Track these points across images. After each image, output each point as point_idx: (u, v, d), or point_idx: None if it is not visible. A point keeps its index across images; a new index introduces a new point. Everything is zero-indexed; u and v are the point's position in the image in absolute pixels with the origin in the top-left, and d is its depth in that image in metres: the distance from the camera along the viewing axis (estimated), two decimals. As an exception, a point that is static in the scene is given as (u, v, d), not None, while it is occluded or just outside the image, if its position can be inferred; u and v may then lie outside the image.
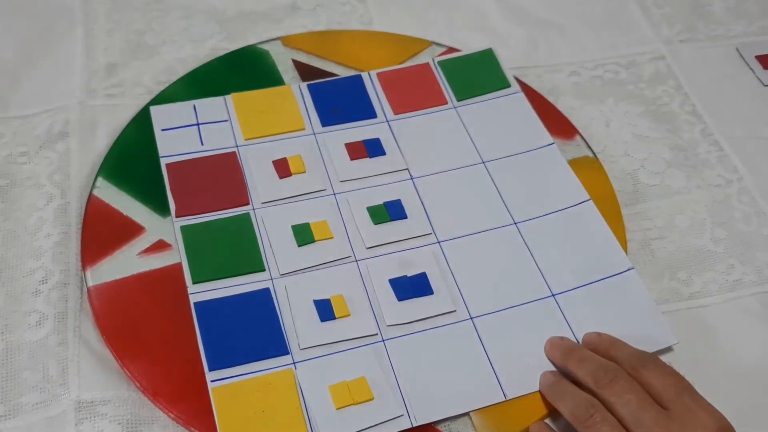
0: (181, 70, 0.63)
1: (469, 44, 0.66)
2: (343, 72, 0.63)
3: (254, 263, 0.51)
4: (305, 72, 0.63)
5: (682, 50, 0.69)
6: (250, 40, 0.65)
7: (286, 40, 0.65)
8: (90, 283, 0.49)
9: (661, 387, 0.43)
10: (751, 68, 0.68)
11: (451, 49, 0.65)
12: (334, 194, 0.55)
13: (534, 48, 0.68)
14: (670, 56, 0.69)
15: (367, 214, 0.54)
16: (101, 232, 0.52)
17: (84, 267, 0.50)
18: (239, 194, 0.54)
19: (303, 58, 0.64)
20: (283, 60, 0.63)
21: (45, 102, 0.60)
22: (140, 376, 0.46)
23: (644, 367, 0.45)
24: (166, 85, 0.61)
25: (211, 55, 0.64)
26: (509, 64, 0.65)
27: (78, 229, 0.53)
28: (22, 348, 0.48)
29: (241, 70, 0.62)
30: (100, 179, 0.54)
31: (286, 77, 0.62)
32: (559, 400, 0.46)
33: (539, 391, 0.48)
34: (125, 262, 0.51)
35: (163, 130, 0.57)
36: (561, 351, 0.48)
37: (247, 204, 0.54)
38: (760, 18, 0.73)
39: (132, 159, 0.56)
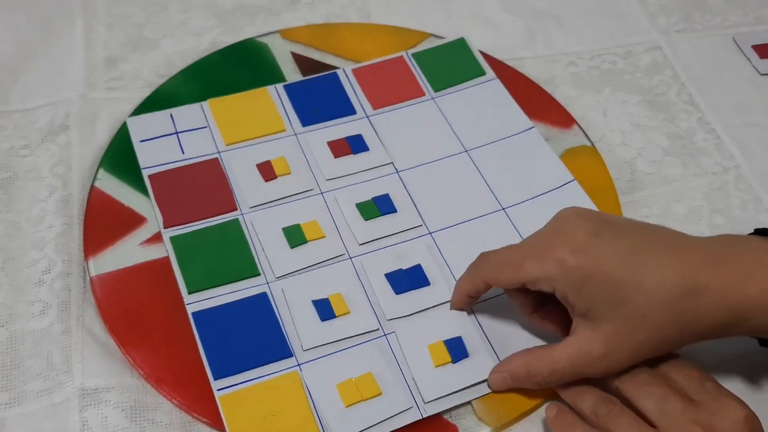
0: (181, 64, 0.63)
1: (467, 35, 0.67)
2: (341, 64, 0.64)
3: (248, 268, 0.51)
4: (304, 64, 0.63)
5: (679, 40, 0.70)
6: (249, 34, 0.65)
7: (285, 33, 0.65)
8: (93, 273, 0.50)
9: (684, 379, 0.43)
10: (747, 58, 0.69)
11: (449, 41, 0.66)
12: (322, 193, 0.55)
13: (531, 38, 0.69)
14: (666, 46, 0.69)
15: (356, 211, 0.54)
16: (103, 223, 0.52)
17: (86, 257, 0.51)
18: (226, 200, 0.54)
19: (302, 51, 0.64)
20: (282, 53, 0.64)
21: (46, 95, 0.60)
22: (143, 363, 0.46)
23: (665, 362, 0.45)
24: (166, 78, 0.61)
25: (210, 49, 0.64)
26: (506, 54, 0.66)
27: (80, 220, 0.53)
28: (26, 337, 0.48)
29: (240, 63, 0.63)
30: (101, 171, 0.55)
31: (285, 70, 0.63)
32: (576, 398, 0.45)
33: (557, 390, 0.47)
34: (127, 252, 0.51)
35: (141, 141, 0.56)
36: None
37: (235, 209, 0.54)
38: (757, 8, 0.73)
39: (133, 151, 0.56)
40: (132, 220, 0.53)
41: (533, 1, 0.72)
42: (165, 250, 0.51)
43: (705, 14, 0.72)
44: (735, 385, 0.44)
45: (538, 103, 0.62)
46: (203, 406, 0.45)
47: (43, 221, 0.53)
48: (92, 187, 0.54)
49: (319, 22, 0.68)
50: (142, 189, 0.54)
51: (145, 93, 0.60)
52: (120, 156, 0.56)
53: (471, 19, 0.70)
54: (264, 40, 0.64)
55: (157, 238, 0.52)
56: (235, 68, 0.62)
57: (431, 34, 0.66)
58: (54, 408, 0.45)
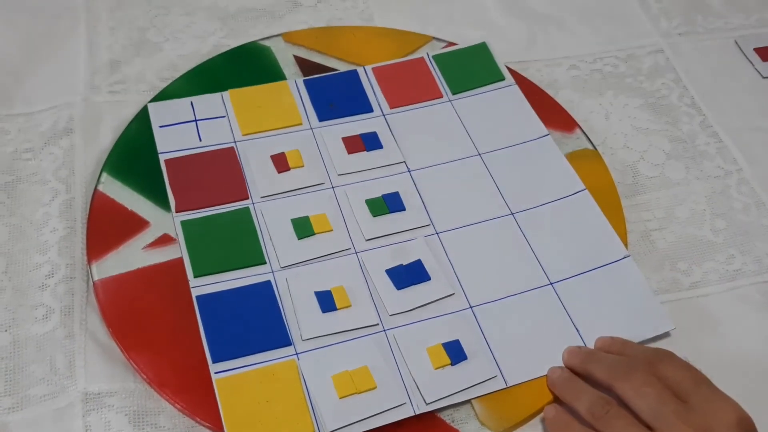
0: (184, 67, 0.63)
1: (470, 39, 0.67)
2: (344, 67, 0.64)
3: (255, 256, 0.52)
4: (306, 67, 0.63)
5: (681, 43, 0.70)
6: (252, 37, 0.66)
7: (288, 37, 0.65)
8: (96, 277, 0.50)
9: (679, 380, 0.43)
10: (749, 60, 0.69)
11: (451, 44, 0.66)
12: (333, 188, 0.56)
13: (533, 42, 0.69)
14: (668, 49, 0.69)
15: (365, 207, 0.55)
16: (106, 227, 0.52)
17: (90, 261, 0.51)
18: (238, 189, 0.55)
19: (304, 54, 0.64)
20: (284, 56, 0.64)
21: (49, 99, 0.60)
22: (146, 367, 0.46)
23: (661, 362, 0.45)
24: (169, 81, 0.61)
25: (213, 52, 0.64)
26: (509, 57, 0.66)
27: (83, 223, 0.53)
28: (29, 341, 0.48)
29: (243, 66, 0.63)
30: (104, 174, 0.55)
31: (287, 73, 0.63)
32: (573, 399, 0.46)
33: (550, 388, 0.47)
34: (130, 256, 0.51)
35: (161, 126, 0.58)
36: (580, 357, 0.48)
37: (247, 198, 0.54)
38: (759, 10, 0.73)
39: (136, 154, 0.56)
40: (135, 224, 0.53)
41: (535, 4, 0.72)
42: (168, 254, 0.51)
43: (707, 17, 0.72)
44: (734, 387, 0.44)
45: (540, 107, 0.62)
46: (206, 410, 0.45)
47: (47, 225, 0.53)
48: (95, 190, 0.54)
49: (321, 26, 0.68)
50: (146, 193, 0.54)
51: (149, 96, 0.60)
52: (123, 160, 0.56)
53: (473, 23, 0.70)
54: (267, 43, 0.64)
55: (160, 242, 0.52)
56: (238, 71, 0.62)
57: (433, 38, 0.66)
58: (57, 412, 0.46)
